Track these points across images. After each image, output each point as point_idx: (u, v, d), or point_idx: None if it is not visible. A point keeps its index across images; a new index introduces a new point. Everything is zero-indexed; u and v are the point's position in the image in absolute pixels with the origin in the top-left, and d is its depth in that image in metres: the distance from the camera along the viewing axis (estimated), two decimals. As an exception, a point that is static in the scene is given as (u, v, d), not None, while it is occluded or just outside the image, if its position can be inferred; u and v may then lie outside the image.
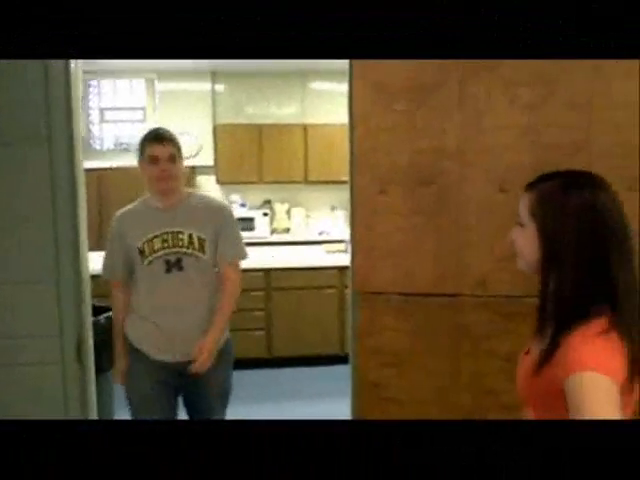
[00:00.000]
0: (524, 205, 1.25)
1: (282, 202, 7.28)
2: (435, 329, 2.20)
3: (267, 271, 4.99)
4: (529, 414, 1.29)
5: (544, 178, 1.27)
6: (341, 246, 5.46)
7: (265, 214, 7.04)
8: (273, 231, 7.09)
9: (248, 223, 6.88)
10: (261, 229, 6.92)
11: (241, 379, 4.94)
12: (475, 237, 2.13)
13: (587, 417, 1.05)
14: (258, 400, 4.33)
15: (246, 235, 6.71)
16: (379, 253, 2.20)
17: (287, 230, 7.14)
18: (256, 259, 5.20)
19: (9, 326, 2.28)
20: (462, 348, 2.20)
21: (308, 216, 7.29)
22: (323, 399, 4.34)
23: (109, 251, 2.42)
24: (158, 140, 2.30)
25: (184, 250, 2.31)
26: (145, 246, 2.30)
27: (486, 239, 2.12)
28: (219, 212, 2.42)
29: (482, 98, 2.07)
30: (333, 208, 7.22)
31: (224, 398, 2.48)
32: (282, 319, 4.99)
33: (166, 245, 2.30)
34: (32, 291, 2.28)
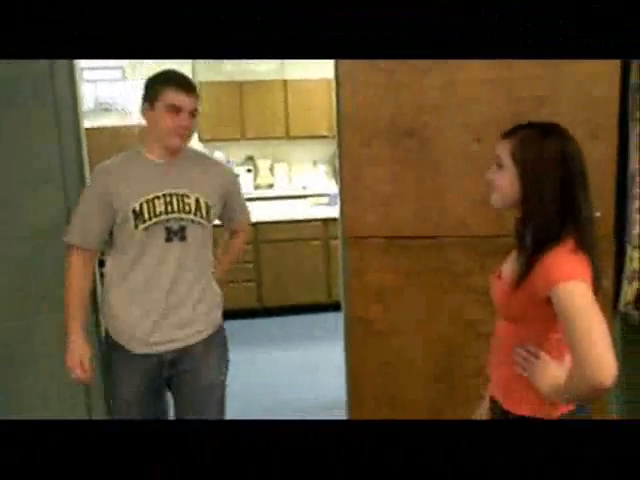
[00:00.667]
0: (505, 149, 1.44)
1: (265, 158, 7.41)
2: (418, 268, 2.43)
3: (255, 225, 5.18)
4: (502, 325, 1.55)
5: (519, 127, 1.48)
6: (324, 199, 5.67)
7: (249, 170, 7.18)
8: (257, 187, 7.24)
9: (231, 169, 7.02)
10: (245, 185, 7.07)
11: (233, 328, 5.20)
12: (453, 184, 2.34)
13: (577, 319, 1.28)
14: (250, 347, 4.57)
15: (231, 191, 6.86)
16: (365, 201, 2.41)
17: (271, 186, 7.29)
18: (243, 214, 5.41)
19: (23, 282, 2.46)
20: (443, 284, 2.44)
21: (291, 171, 7.44)
22: (312, 343, 4.62)
23: (84, 211, 1.98)
24: (185, 88, 1.92)
25: (190, 217, 1.97)
26: (144, 207, 1.92)
27: (463, 185, 2.34)
28: (227, 177, 2.17)
29: (458, 56, 2.25)
30: (315, 163, 7.38)
31: (216, 393, 2.10)
32: (271, 270, 5.22)
33: (170, 209, 1.94)
34: (43, 245, 2.44)
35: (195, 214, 1.98)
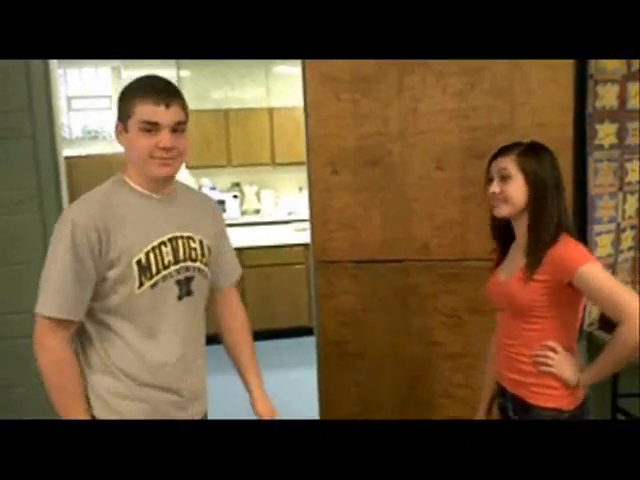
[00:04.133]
0: (511, 162, 1.65)
1: (251, 184, 7.51)
2: (386, 291, 2.50)
3: (239, 250, 5.25)
4: (512, 325, 1.70)
5: (513, 145, 1.70)
6: (307, 224, 5.76)
7: (235, 196, 7.26)
8: (243, 213, 7.32)
9: (219, 206, 7.10)
10: (231, 211, 7.15)
11: (218, 352, 5.25)
12: (417, 209, 2.43)
13: (608, 290, 1.51)
14: (234, 371, 4.61)
15: (217, 217, 6.95)
16: (334, 226, 2.49)
17: (257, 211, 7.38)
18: (227, 239, 5.49)
19: (4, 303, 2.52)
20: (410, 306, 2.51)
21: (277, 197, 7.53)
22: (295, 367, 4.66)
23: (64, 269, 1.43)
24: (163, 97, 1.47)
25: (197, 265, 1.59)
26: (151, 257, 1.49)
27: (426, 210, 2.42)
28: (217, 211, 1.80)
29: (418, 87, 2.35)
30: (301, 188, 7.48)
31: None
32: (254, 295, 5.28)
33: (178, 257, 1.54)
34: (23, 270, 2.51)
35: (201, 261, 1.60)
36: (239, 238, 5.54)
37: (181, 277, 1.56)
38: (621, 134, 2.65)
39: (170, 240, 1.54)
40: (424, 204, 2.42)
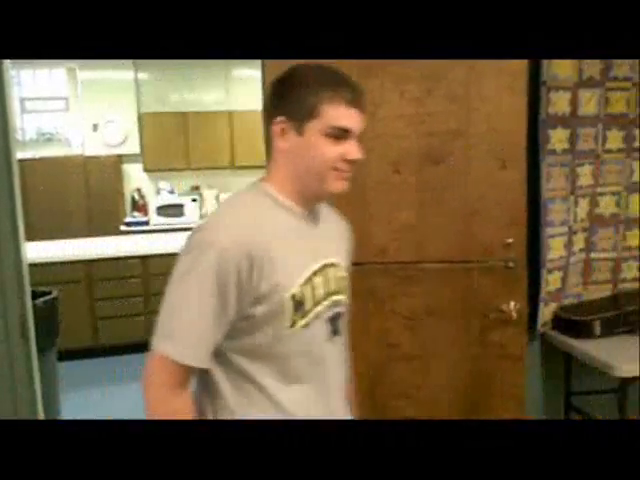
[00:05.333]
0: None
1: (210, 188, 7.47)
2: (344, 294, 2.52)
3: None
4: None
5: None
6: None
7: (194, 200, 7.21)
8: (202, 216, 7.27)
9: (177, 209, 7.05)
10: (190, 215, 7.09)
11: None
12: (375, 212, 2.45)
13: None
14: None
15: (176, 221, 6.91)
16: (293, 230, 2.50)
17: (216, 215, 7.34)
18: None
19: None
20: (368, 309, 2.53)
21: (236, 200, 7.51)
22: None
23: (209, 310, 1.17)
24: (354, 98, 1.25)
25: (344, 298, 1.39)
26: (307, 291, 1.25)
27: (384, 214, 2.45)
28: (347, 228, 1.56)
29: (377, 92, 2.38)
30: (260, 192, 7.47)
31: None
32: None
33: (329, 290, 1.31)
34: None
35: (347, 293, 1.40)
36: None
37: (331, 314, 1.31)
38: (572, 139, 2.74)
39: (321, 269, 1.29)
40: (382, 207, 2.44)
